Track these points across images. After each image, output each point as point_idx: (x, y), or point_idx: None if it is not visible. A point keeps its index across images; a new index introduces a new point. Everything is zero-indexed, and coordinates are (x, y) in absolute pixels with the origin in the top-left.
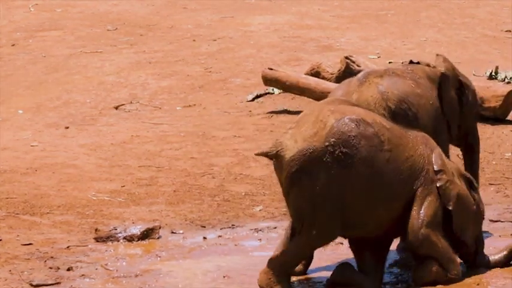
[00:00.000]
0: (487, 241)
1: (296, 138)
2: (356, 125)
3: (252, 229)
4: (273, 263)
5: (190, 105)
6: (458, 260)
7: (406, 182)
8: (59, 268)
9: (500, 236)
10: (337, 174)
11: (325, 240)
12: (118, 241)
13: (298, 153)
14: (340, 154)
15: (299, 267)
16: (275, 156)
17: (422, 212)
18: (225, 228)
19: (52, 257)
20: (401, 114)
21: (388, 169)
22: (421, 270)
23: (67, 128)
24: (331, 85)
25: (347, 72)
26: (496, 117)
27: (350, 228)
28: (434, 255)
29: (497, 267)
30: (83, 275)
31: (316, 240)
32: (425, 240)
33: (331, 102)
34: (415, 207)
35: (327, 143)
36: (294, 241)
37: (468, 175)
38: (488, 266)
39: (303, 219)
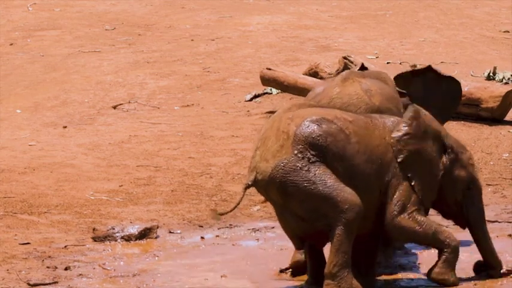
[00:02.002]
0: None
1: (266, 157)
2: (318, 125)
3: (249, 229)
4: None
5: (188, 105)
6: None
7: (379, 172)
8: (56, 267)
9: (497, 236)
10: (319, 171)
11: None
12: (116, 241)
13: (273, 171)
14: (311, 157)
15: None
16: (255, 185)
17: (393, 201)
18: (222, 228)
19: (50, 257)
20: (386, 110)
21: (361, 160)
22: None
23: (65, 127)
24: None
25: None
26: (493, 118)
27: None
28: (418, 240)
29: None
30: (80, 274)
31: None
32: (400, 229)
33: (288, 110)
34: (388, 198)
35: (295, 151)
36: (334, 240)
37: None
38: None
39: (320, 218)
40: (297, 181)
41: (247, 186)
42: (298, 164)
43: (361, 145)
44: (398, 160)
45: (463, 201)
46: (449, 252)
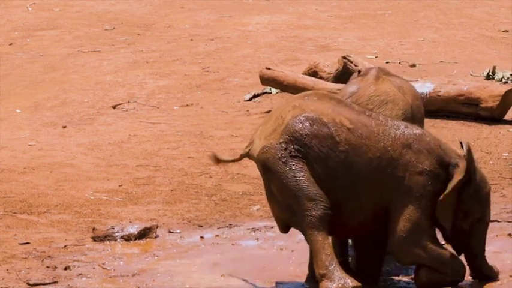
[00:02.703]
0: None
1: (261, 135)
2: (310, 123)
3: (249, 228)
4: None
5: (187, 105)
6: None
7: (370, 184)
8: (56, 267)
9: (497, 235)
10: (296, 167)
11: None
12: (115, 240)
13: (260, 151)
14: (293, 150)
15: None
16: (248, 156)
17: (401, 223)
18: (222, 227)
19: (49, 256)
20: (416, 107)
21: (346, 169)
22: (417, 273)
23: (64, 127)
24: (328, 85)
25: (344, 72)
26: (493, 118)
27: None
28: (423, 264)
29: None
30: (80, 274)
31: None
32: (408, 256)
33: (302, 97)
34: (393, 216)
35: (281, 140)
36: (307, 240)
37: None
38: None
39: (293, 214)
40: (274, 169)
41: (241, 157)
42: (278, 153)
43: (350, 155)
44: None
45: (468, 230)
46: (450, 279)
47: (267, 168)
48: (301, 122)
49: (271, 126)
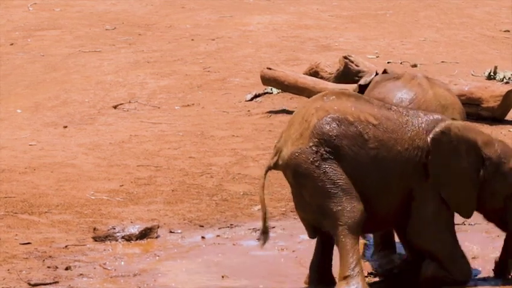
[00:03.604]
0: (485, 241)
1: (287, 142)
2: (337, 124)
3: (250, 229)
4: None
5: (188, 105)
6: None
7: (402, 177)
8: (57, 267)
9: (498, 236)
10: (330, 168)
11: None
12: (116, 240)
13: (289, 157)
14: (324, 153)
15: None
16: (275, 168)
17: (421, 212)
18: (223, 227)
19: (50, 256)
20: (463, 111)
21: (377, 165)
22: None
23: (65, 127)
24: (329, 85)
25: (345, 72)
26: (494, 118)
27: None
28: (435, 258)
29: None
30: (81, 274)
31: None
32: (424, 241)
33: (321, 98)
34: (414, 207)
35: (311, 143)
36: (338, 243)
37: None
38: None
39: (325, 216)
40: (307, 173)
41: (269, 169)
42: (310, 158)
43: (380, 151)
44: (430, 179)
45: (504, 209)
46: (453, 279)
47: (298, 174)
48: (328, 124)
49: (297, 131)
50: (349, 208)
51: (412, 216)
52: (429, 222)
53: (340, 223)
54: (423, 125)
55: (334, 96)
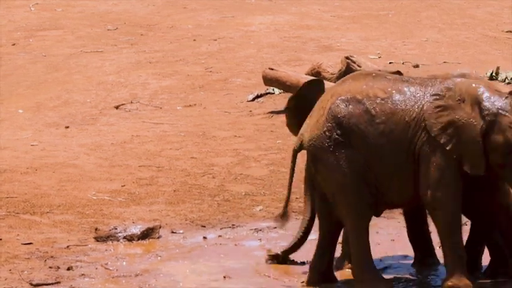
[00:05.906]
0: None
1: (308, 128)
2: (346, 105)
3: (252, 229)
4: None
5: (190, 105)
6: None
7: (410, 148)
8: (58, 267)
9: None
10: (342, 156)
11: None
12: (118, 241)
13: (307, 143)
14: (337, 137)
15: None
16: (300, 151)
17: (429, 174)
18: (225, 228)
19: (52, 257)
20: None
21: (386, 140)
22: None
23: (67, 127)
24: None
25: (347, 72)
26: None
27: (380, 204)
28: (437, 221)
29: None
30: (82, 274)
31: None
32: (436, 202)
33: (339, 84)
34: (422, 170)
35: (324, 128)
36: (348, 233)
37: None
38: None
39: (337, 205)
40: (322, 159)
41: (295, 151)
42: (325, 143)
43: (387, 125)
44: (433, 134)
45: (506, 165)
46: (453, 259)
47: (316, 159)
48: (337, 106)
49: (315, 118)
50: (357, 198)
51: (422, 178)
52: (437, 178)
53: (348, 213)
54: (426, 95)
55: (351, 80)
